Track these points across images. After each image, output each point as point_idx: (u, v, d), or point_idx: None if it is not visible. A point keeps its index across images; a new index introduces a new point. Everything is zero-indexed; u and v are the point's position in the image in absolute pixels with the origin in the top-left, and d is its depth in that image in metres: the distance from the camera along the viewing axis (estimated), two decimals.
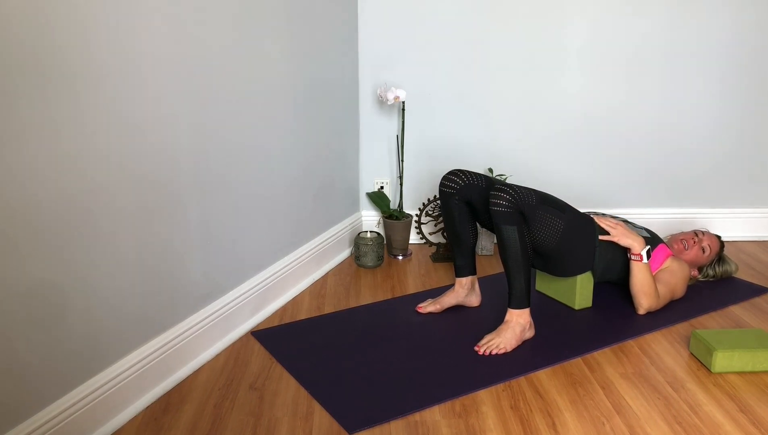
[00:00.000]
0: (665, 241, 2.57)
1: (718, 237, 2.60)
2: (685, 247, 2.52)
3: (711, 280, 2.61)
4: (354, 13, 2.85)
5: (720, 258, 2.60)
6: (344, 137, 2.86)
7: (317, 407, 1.78)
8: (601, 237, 2.25)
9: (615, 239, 2.25)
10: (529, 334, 2.13)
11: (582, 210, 2.71)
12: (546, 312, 2.34)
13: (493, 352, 2.04)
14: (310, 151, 2.56)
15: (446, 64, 2.95)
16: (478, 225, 2.36)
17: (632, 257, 2.25)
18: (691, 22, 2.92)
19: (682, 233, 2.59)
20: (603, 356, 2.05)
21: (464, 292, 2.35)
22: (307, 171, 2.55)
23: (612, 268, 2.33)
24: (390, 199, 3.08)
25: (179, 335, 1.89)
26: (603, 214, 2.45)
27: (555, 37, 2.92)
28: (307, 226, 2.60)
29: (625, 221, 2.48)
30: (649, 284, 2.25)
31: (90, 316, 1.57)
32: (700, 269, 2.58)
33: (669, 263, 2.37)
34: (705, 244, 2.54)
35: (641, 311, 2.30)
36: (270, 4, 2.19)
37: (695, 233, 2.56)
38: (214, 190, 2.00)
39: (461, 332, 2.18)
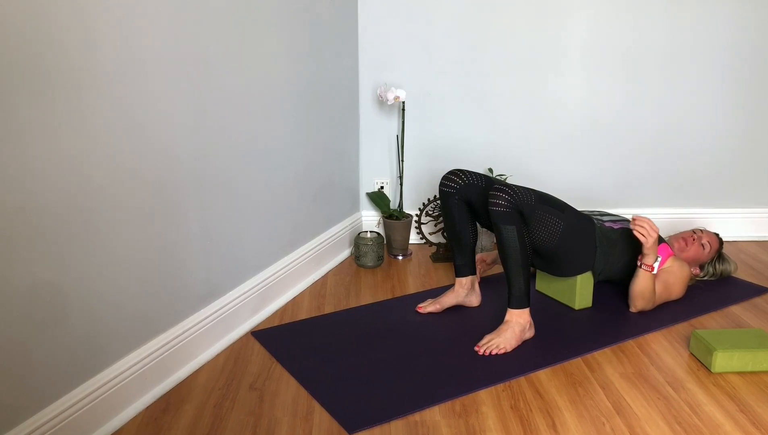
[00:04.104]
0: (666, 240, 2.57)
1: (717, 235, 2.61)
2: (685, 244, 2.53)
3: (711, 279, 2.61)
4: (354, 13, 2.85)
5: (720, 256, 2.60)
6: (344, 137, 2.86)
7: (317, 407, 1.78)
8: (633, 225, 2.20)
9: (644, 242, 2.18)
10: (529, 334, 2.13)
11: (582, 210, 2.71)
12: (546, 312, 2.34)
13: (493, 352, 2.04)
14: (310, 151, 2.56)
15: (446, 63, 2.95)
16: (478, 225, 2.36)
17: (643, 266, 2.23)
18: (693, 23, 2.91)
19: (682, 232, 2.60)
20: (603, 356, 2.05)
21: (464, 291, 2.35)
22: (307, 171, 2.55)
23: (612, 268, 2.33)
24: (390, 199, 3.08)
25: (179, 335, 1.89)
26: (602, 213, 2.45)
27: (555, 37, 2.92)
28: (307, 226, 2.60)
29: (627, 220, 2.48)
30: (649, 291, 2.26)
31: (90, 316, 1.57)
32: (701, 267, 2.58)
33: (670, 263, 2.37)
34: (705, 240, 2.54)
35: (633, 309, 2.32)
36: (270, 4, 2.19)
37: (694, 231, 2.57)
38: (215, 190, 2.00)
39: (461, 332, 2.18)
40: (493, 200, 2.04)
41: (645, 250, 2.21)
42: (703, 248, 2.54)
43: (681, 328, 2.24)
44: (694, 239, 2.54)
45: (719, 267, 2.59)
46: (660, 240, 2.41)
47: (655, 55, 2.95)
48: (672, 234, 2.70)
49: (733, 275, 2.69)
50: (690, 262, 2.53)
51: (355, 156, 2.99)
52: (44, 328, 1.45)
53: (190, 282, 1.93)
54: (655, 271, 2.23)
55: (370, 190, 3.10)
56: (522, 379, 1.92)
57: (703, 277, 2.60)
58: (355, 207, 3.05)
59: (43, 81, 1.37)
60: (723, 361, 1.93)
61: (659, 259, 2.24)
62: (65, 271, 1.48)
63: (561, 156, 3.06)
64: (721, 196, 3.14)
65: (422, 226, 3.10)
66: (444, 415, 1.74)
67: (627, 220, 2.48)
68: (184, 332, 1.91)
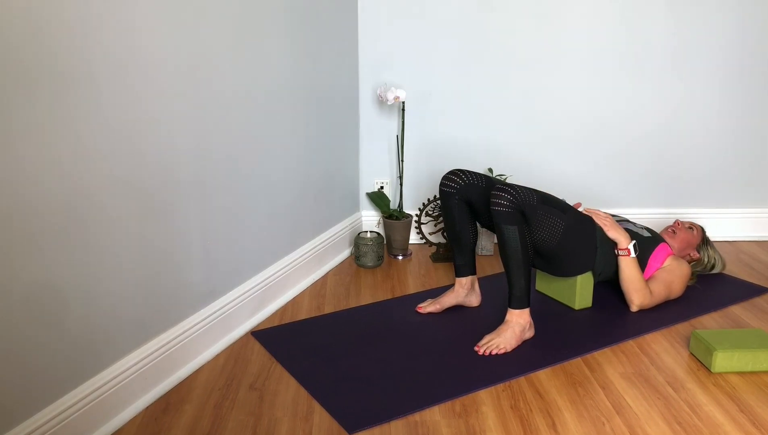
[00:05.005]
0: (663, 239, 2.58)
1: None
2: (674, 232, 2.57)
3: (708, 266, 2.64)
4: (354, 13, 2.85)
5: (707, 239, 2.65)
6: (344, 137, 2.86)
7: (317, 407, 1.78)
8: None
9: (604, 229, 2.29)
10: (529, 334, 2.13)
11: (583, 208, 2.71)
12: (546, 312, 2.34)
13: (493, 352, 2.04)
14: (310, 151, 2.56)
15: (446, 63, 2.95)
16: (478, 225, 2.36)
17: (619, 252, 2.28)
18: (692, 24, 2.91)
19: (666, 227, 2.65)
20: (603, 356, 2.05)
21: (464, 292, 2.35)
22: (308, 171, 2.55)
23: (612, 269, 2.33)
24: (390, 199, 3.08)
25: (179, 335, 1.89)
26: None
27: (556, 37, 2.92)
28: (307, 226, 2.60)
29: (626, 220, 2.49)
30: (638, 280, 2.27)
31: (90, 316, 1.57)
32: (698, 250, 2.62)
33: (669, 262, 2.38)
34: (687, 225, 2.62)
35: (633, 308, 2.32)
36: (270, 4, 2.19)
37: (675, 222, 2.62)
38: (215, 191, 2.00)
39: (461, 332, 2.18)
40: (495, 200, 2.04)
41: (608, 234, 2.28)
42: (692, 230, 2.60)
43: (681, 328, 2.24)
44: (678, 225, 2.59)
45: (711, 251, 2.64)
46: (660, 239, 2.42)
47: (655, 55, 2.95)
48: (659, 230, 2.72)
49: (729, 274, 2.70)
50: (685, 249, 2.57)
51: (355, 156, 2.99)
52: (44, 329, 1.45)
53: (190, 282, 1.93)
54: (632, 256, 2.25)
55: (370, 190, 3.10)
56: (522, 379, 1.92)
57: (703, 260, 2.62)
58: (355, 207, 3.05)
59: (40, 84, 1.37)
60: (723, 361, 1.93)
61: (634, 242, 2.28)
62: (64, 272, 1.48)
63: (561, 156, 3.06)
64: (721, 196, 3.14)
65: (422, 226, 3.10)
66: (444, 415, 1.74)
67: (627, 221, 2.48)
68: (184, 332, 1.91)
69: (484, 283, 2.58)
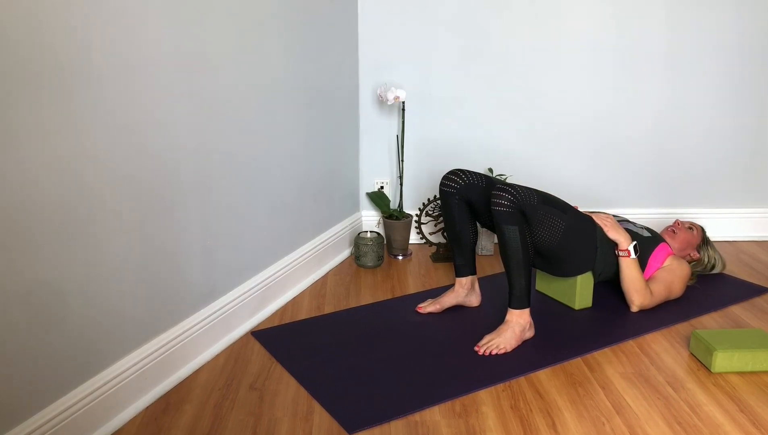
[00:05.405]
0: (663, 239, 2.59)
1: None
2: (674, 232, 2.57)
3: (708, 267, 2.64)
4: (354, 13, 2.85)
5: (707, 239, 2.65)
6: (344, 137, 2.86)
7: (317, 407, 1.78)
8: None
9: (604, 230, 2.29)
10: (529, 334, 2.13)
11: (581, 210, 2.71)
12: (546, 312, 2.34)
13: (493, 352, 2.04)
14: (310, 151, 2.56)
15: (446, 64, 2.95)
16: (478, 225, 2.36)
17: (620, 253, 2.28)
18: (692, 23, 2.92)
19: (666, 227, 2.65)
20: (603, 356, 2.05)
21: (464, 292, 2.35)
22: (308, 171, 2.55)
23: (612, 269, 2.33)
24: (390, 199, 3.08)
25: (179, 335, 1.89)
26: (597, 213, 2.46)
27: (555, 37, 2.92)
28: (307, 226, 2.60)
29: (626, 220, 2.49)
30: (638, 280, 2.27)
31: (90, 316, 1.57)
32: (698, 250, 2.62)
33: (669, 262, 2.38)
34: (687, 225, 2.62)
35: (634, 308, 2.32)
36: (270, 4, 2.19)
37: (675, 222, 2.62)
38: (214, 191, 2.00)
39: (461, 332, 2.18)
40: (496, 200, 2.04)
41: (609, 235, 2.28)
42: (692, 230, 2.60)
43: (681, 328, 2.24)
44: (678, 225, 2.59)
45: (711, 251, 2.64)
46: (660, 239, 2.42)
47: (655, 54, 2.95)
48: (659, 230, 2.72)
49: (729, 274, 2.70)
50: (685, 249, 2.57)
51: (355, 156, 2.99)
52: (44, 329, 1.45)
53: (190, 282, 1.93)
54: (632, 256, 2.26)
55: (370, 190, 3.10)
56: (522, 379, 1.92)
57: (703, 260, 2.63)
58: (355, 207, 3.05)
59: (40, 85, 1.37)
60: (723, 361, 1.93)
61: (635, 243, 2.28)
62: (65, 272, 1.48)
63: (561, 156, 3.06)
64: (721, 196, 3.14)
65: (422, 226, 3.10)
66: (444, 415, 1.74)
67: (627, 221, 2.48)
68: (184, 332, 1.91)
69: (484, 283, 2.58)
